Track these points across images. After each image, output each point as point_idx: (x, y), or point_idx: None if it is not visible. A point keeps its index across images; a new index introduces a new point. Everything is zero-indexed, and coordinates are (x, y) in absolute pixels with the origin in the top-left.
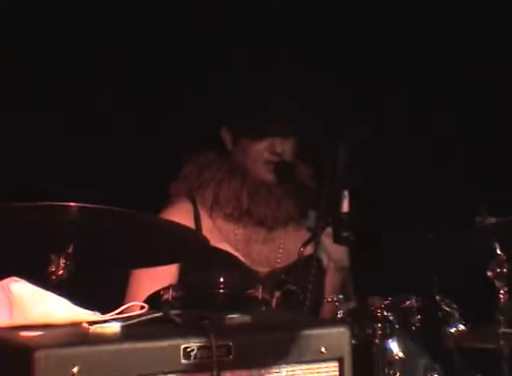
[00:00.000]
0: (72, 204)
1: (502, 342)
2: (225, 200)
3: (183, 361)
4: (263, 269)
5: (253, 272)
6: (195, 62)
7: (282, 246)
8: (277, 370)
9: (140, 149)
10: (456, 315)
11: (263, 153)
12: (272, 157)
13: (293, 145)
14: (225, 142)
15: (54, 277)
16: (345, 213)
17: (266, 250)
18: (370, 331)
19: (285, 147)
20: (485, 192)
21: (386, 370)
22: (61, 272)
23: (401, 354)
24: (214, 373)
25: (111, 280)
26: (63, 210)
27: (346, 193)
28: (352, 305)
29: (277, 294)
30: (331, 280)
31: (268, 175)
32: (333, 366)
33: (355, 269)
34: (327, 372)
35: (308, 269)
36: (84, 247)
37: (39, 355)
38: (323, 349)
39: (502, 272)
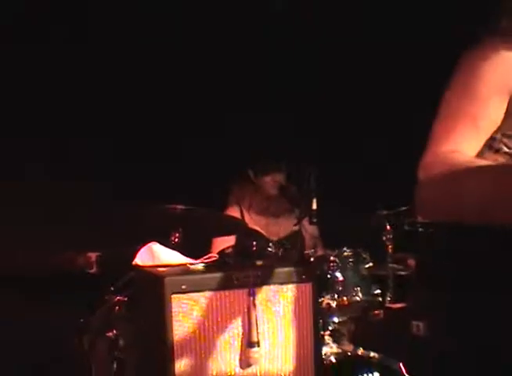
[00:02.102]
0: (179, 206)
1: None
2: (254, 205)
3: (235, 282)
4: (274, 238)
5: (269, 239)
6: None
7: (283, 226)
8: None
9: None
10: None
11: (270, 181)
12: (274, 183)
13: (284, 176)
14: (251, 176)
15: (173, 243)
16: (314, 209)
17: (275, 228)
18: (326, 267)
19: (280, 178)
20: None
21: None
22: (176, 240)
23: (341, 278)
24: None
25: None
26: (174, 209)
27: (314, 199)
28: (319, 254)
29: (281, 250)
30: (308, 242)
31: (273, 192)
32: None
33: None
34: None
35: (296, 237)
36: (186, 230)
37: (166, 280)
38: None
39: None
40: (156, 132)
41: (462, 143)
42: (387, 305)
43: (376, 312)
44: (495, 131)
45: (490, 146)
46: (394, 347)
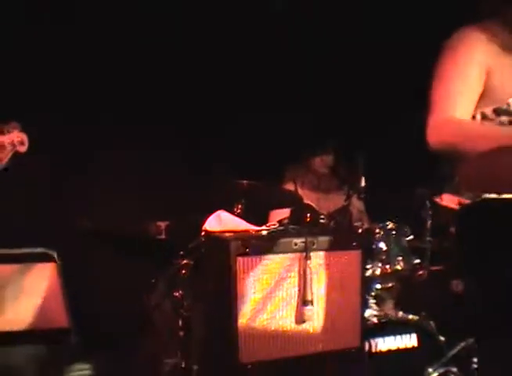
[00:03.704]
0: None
1: None
2: (307, 182)
3: (293, 247)
4: (324, 212)
5: (320, 213)
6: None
7: (333, 201)
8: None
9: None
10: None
11: (319, 162)
12: (323, 163)
13: (332, 157)
14: (303, 157)
15: (236, 214)
16: (362, 187)
17: (326, 203)
18: (372, 238)
19: (329, 158)
20: None
21: (379, 256)
22: (239, 211)
23: (385, 247)
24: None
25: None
26: (238, 183)
27: (362, 177)
28: (365, 226)
29: (332, 222)
30: (355, 216)
31: (323, 171)
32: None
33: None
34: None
35: (345, 211)
36: (248, 202)
37: (232, 243)
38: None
39: None
40: (224, 115)
41: (460, 109)
42: (429, 267)
43: (420, 272)
44: (479, 107)
45: None
46: (434, 305)
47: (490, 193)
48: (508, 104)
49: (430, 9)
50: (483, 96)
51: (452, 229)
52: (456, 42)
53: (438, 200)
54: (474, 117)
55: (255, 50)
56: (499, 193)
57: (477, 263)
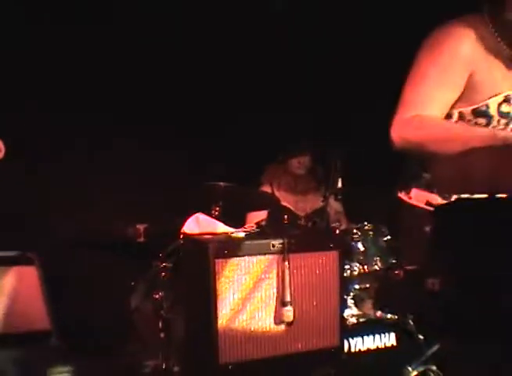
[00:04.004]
0: (220, 183)
1: None
2: (284, 183)
3: (271, 248)
4: (301, 213)
5: (297, 214)
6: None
7: (310, 203)
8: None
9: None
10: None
11: (296, 163)
12: (300, 164)
13: (309, 158)
14: (280, 158)
15: (213, 216)
16: (340, 188)
17: (303, 205)
18: (349, 239)
19: (306, 160)
20: None
21: (357, 257)
22: (216, 213)
23: (362, 248)
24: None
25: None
26: (215, 186)
27: (339, 178)
28: (343, 227)
29: (309, 223)
30: (332, 217)
31: (300, 172)
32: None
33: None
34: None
35: (322, 212)
36: (225, 205)
37: (211, 245)
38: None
39: None
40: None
41: (430, 107)
42: (405, 266)
43: (396, 272)
44: (452, 108)
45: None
46: (412, 304)
47: (464, 194)
48: (487, 105)
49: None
50: (463, 96)
51: (427, 229)
52: (440, 37)
53: (406, 198)
54: (450, 116)
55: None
56: (472, 194)
57: (455, 262)
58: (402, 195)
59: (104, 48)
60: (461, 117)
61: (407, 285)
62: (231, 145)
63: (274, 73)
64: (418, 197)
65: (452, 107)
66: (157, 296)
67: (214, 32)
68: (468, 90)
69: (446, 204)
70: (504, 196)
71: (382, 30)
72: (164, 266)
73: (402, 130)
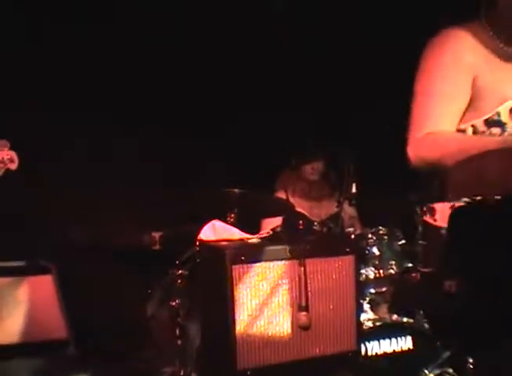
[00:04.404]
0: (235, 190)
1: None
2: (298, 190)
3: (288, 254)
4: (316, 219)
5: (312, 220)
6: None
7: (324, 208)
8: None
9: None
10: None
11: (309, 169)
12: (314, 170)
13: (323, 164)
14: (293, 165)
15: (228, 223)
16: (354, 193)
17: (317, 210)
18: (364, 243)
19: (319, 165)
20: None
21: (372, 261)
22: (232, 220)
23: (377, 252)
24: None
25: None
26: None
27: (353, 184)
28: (358, 232)
29: (324, 229)
30: (347, 222)
31: (314, 178)
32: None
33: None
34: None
35: (337, 218)
36: (241, 211)
37: (228, 252)
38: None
39: None
40: (203, 118)
41: (441, 122)
42: (421, 269)
43: (413, 275)
44: (464, 122)
45: None
46: (428, 306)
47: (478, 196)
48: (498, 113)
49: (432, 9)
50: (471, 106)
51: (443, 231)
52: (441, 45)
53: (429, 219)
54: (463, 131)
55: (255, 50)
56: (486, 196)
57: (471, 264)
58: (427, 218)
59: (104, 48)
60: (475, 130)
61: (424, 288)
62: (231, 145)
63: (274, 73)
64: (443, 218)
65: (464, 121)
66: (174, 303)
67: (214, 32)
68: (475, 98)
69: (461, 206)
70: None
71: (382, 30)
72: (180, 274)
73: (418, 149)
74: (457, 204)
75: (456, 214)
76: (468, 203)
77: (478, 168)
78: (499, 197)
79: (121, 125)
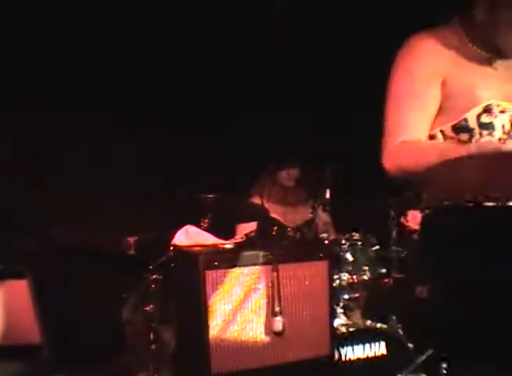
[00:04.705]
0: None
1: None
2: (273, 195)
3: (261, 259)
4: (291, 225)
5: (286, 225)
6: None
7: (299, 214)
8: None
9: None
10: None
11: (285, 175)
12: (289, 176)
13: (298, 170)
14: (269, 170)
15: (202, 228)
16: (328, 199)
17: (292, 216)
18: (338, 249)
19: (295, 171)
20: None
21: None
22: (206, 225)
23: (351, 258)
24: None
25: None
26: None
27: (327, 190)
28: (332, 238)
29: (298, 234)
30: (321, 228)
31: (289, 184)
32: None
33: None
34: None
35: (312, 223)
36: (215, 216)
37: (201, 257)
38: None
39: None
40: (203, 118)
41: (414, 130)
42: (394, 275)
43: (385, 280)
44: (433, 127)
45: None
46: (401, 312)
47: (454, 201)
48: (465, 119)
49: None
50: (441, 109)
51: (415, 236)
52: (407, 53)
53: (403, 221)
54: (434, 137)
55: (255, 50)
56: (459, 200)
57: (443, 266)
58: (402, 221)
59: (104, 48)
60: (444, 136)
61: (396, 293)
62: (231, 145)
63: (274, 73)
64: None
65: (433, 128)
66: (148, 308)
67: (214, 32)
68: (445, 101)
69: (435, 209)
70: (490, 203)
71: (382, 30)
72: (155, 278)
73: (394, 159)
74: (431, 208)
75: (429, 217)
76: (442, 206)
77: (453, 173)
78: (471, 202)
79: (121, 125)
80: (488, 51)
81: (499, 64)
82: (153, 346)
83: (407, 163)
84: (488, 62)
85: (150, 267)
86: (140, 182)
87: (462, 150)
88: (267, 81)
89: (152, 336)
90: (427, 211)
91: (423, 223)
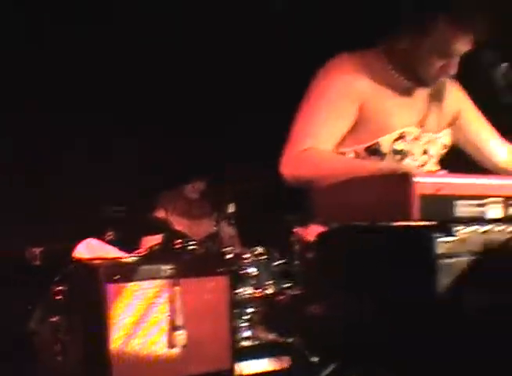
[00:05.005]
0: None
1: None
2: (178, 208)
3: (163, 273)
4: (196, 238)
5: (191, 239)
6: None
7: (204, 227)
8: None
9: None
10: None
11: (190, 188)
12: (194, 189)
13: (204, 183)
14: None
15: (106, 241)
16: (232, 212)
17: (197, 229)
18: (242, 263)
19: (200, 185)
20: None
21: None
22: (109, 238)
23: (255, 272)
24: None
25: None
26: (108, 211)
27: (232, 203)
28: (236, 252)
29: (202, 248)
30: (225, 241)
31: (194, 197)
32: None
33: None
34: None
35: (216, 237)
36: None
37: (101, 270)
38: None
39: None
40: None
41: (319, 141)
42: (292, 292)
43: (284, 296)
44: (346, 146)
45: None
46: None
47: (343, 222)
48: (379, 144)
49: None
50: (356, 131)
51: (310, 255)
52: (328, 71)
53: (302, 232)
54: (345, 155)
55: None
56: (351, 222)
57: (335, 287)
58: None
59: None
60: (357, 156)
61: (292, 309)
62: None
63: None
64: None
65: (347, 146)
66: (54, 319)
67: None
68: (361, 124)
69: (327, 231)
70: (383, 223)
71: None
72: (60, 290)
73: (292, 166)
74: (325, 227)
75: (325, 234)
76: (334, 228)
77: (347, 193)
78: (364, 223)
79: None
80: (409, 79)
81: (419, 92)
82: (59, 358)
83: (306, 172)
84: (408, 90)
85: (56, 278)
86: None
87: (364, 169)
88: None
89: (58, 347)
90: (323, 227)
91: (319, 240)
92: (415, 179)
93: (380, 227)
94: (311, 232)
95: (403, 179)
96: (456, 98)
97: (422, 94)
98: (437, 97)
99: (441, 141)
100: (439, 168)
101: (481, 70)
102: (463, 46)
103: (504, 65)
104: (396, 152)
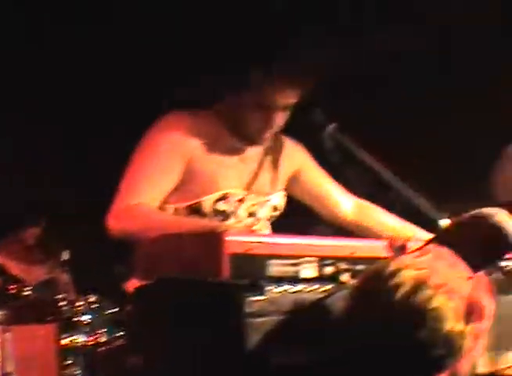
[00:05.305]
0: None
1: None
2: (14, 252)
3: None
4: (31, 283)
5: (26, 284)
6: None
7: (39, 273)
8: None
9: None
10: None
11: (26, 234)
12: (30, 235)
13: (40, 229)
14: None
15: None
16: (66, 260)
17: (32, 275)
18: (76, 310)
19: (36, 231)
20: None
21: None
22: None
23: (88, 319)
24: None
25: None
26: None
27: (66, 250)
28: (70, 299)
29: (36, 294)
30: (61, 288)
31: (30, 242)
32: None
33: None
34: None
35: (50, 283)
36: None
37: None
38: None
39: None
40: None
41: (145, 197)
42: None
43: (100, 349)
44: (169, 203)
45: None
46: None
47: (161, 276)
48: (200, 203)
49: None
50: (180, 188)
51: (129, 307)
52: (160, 127)
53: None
54: (165, 211)
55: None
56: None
57: (154, 340)
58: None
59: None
60: (177, 213)
61: (112, 361)
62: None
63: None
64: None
65: (170, 202)
66: None
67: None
68: (186, 183)
69: (145, 284)
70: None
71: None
72: None
73: (118, 219)
74: (143, 280)
75: (139, 292)
76: (152, 282)
77: (165, 248)
78: (181, 278)
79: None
80: (241, 138)
81: (252, 153)
82: None
83: (131, 225)
84: (239, 150)
85: None
86: None
87: (186, 225)
88: None
89: None
90: (141, 281)
91: (136, 293)
92: (226, 238)
93: (195, 282)
94: (131, 284)
95: (214, 237)
96: (297, 157)
97: (255, 154)
98: (271, 156)
99: (272, 203)
100: (269, 230)
101: (310, 130)
102: (285, 99)
103: (331, 126)
104: (218, 212)
